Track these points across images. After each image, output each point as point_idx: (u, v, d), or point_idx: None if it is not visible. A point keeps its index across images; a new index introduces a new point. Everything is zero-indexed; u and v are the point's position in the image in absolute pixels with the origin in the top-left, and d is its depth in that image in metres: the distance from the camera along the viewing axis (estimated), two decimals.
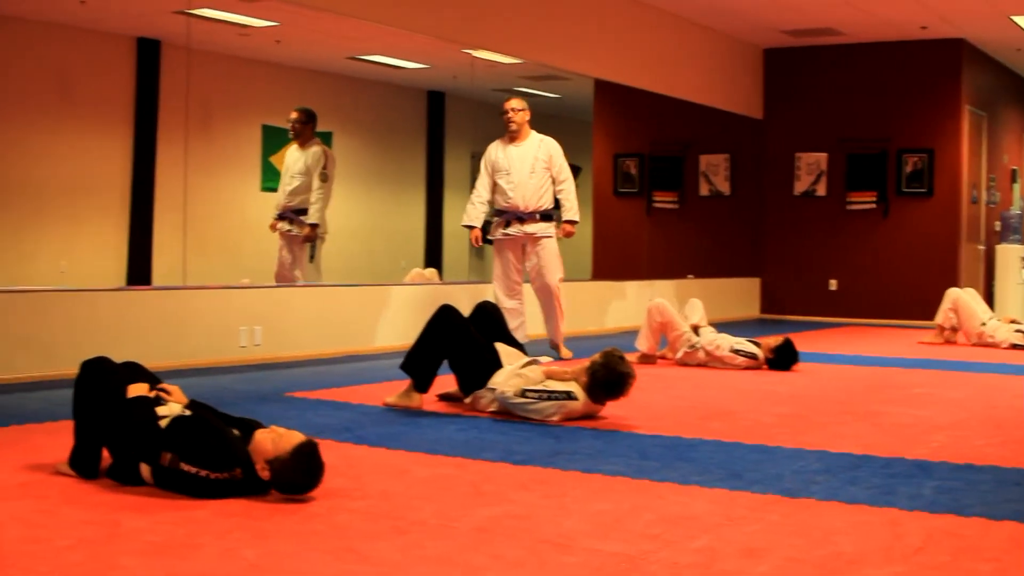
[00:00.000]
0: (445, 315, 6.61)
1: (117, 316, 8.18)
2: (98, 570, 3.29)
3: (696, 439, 5.66)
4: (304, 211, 10.47)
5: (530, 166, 9.41)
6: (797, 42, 15.39)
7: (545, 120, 14.49)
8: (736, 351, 9.07)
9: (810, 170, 15.66)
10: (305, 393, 7.20)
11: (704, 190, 16.08)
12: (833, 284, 15.64)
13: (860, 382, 8.42)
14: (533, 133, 9.55)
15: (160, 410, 4.44)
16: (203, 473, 4.14)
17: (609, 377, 6.16)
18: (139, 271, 11.33)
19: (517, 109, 9.48)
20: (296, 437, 4.24)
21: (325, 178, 10.46)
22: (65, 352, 7.56)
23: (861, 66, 15.32)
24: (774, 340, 9.14)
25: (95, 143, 11.57)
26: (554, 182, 9.49)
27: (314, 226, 10.41)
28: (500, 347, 6.65)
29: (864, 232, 15.35)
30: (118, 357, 4.78)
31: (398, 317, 10.18)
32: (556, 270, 9.54)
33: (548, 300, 9.59)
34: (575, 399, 6.18)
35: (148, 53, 11.51)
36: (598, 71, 13.27)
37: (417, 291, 10.65)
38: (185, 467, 4.16)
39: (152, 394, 4.53)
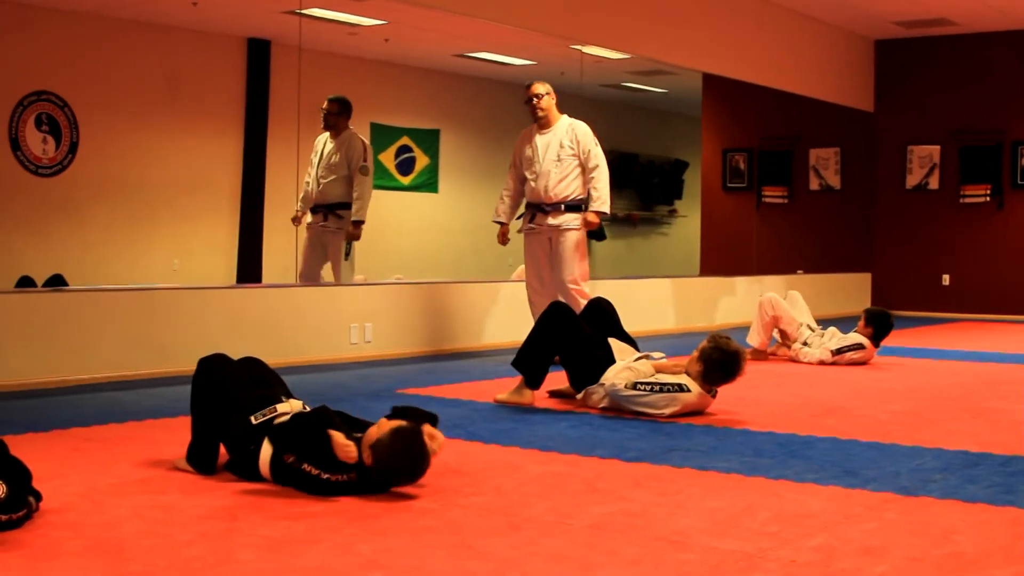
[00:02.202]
0: (556, 312, 6.61)
1: (229, 314, 8.28)
2: (216, 564, 3.33)
3: (810, 436, 5.60)
4: (341, 205, 9.82)
5: (555, 153, 8.56)
6: (909, 33, 15.19)
7: (653, 115, 14.47)
8: (839, 351, 8.93)
9: (922, 163, 15.46)
10: (416, 390, 7.23)
11: (814, 184, 15.94)
12: (946, 279, 15.42)
13: (975, 378, 8.28)
14: (564, 117, 8.68)
15: (280, 407, 4.48)
16: (324, 476, 4.17)
17: (723, 357, 6.09)
18: (249, 269, 11.47)
19: (542, 95, 8.59)
20: (397, 422, 4.27)
21: (366, 171, 9.79)
22: (178, 349, 7.69)
23: (975, 57, 15.09)
24: (861, 320, 9.15)
25: (207, 142, 11.75)
26: (584, 170, 8.59)
27: (360, 223, 9.72)
28: (613, 343, 6.63)
29: (978, 226, 15.12)
30: (231, 354, 4.83)
31: (506, 314, 10.19)
32: (573, 266, 8.62)
33: (565, 299, 8.28)
34: (687, 391, 6.14)
35: (258, 53, 11.66)
36: (706, 65, 13.19)
37: (525, 288, 10.63)
38: (307, 467, 4.19)
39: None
